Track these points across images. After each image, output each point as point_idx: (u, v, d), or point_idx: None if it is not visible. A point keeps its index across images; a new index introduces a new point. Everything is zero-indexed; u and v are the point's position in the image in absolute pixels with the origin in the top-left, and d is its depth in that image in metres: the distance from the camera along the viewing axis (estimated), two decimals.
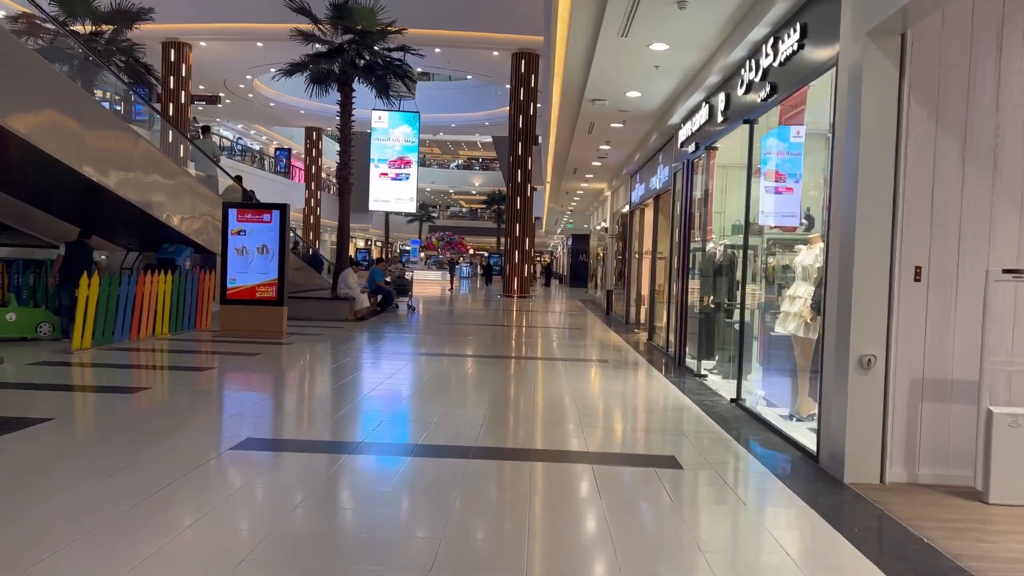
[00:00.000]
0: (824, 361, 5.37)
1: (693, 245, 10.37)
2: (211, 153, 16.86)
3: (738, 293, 9.81)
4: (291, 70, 17.94)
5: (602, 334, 15.54)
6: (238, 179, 18.01)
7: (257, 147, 52.89)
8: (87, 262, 11.07)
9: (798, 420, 6.55)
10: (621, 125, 12.41)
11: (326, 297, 17.12)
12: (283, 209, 12.68)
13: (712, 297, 9.36)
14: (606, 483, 4.89)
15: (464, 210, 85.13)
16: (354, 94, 18.79)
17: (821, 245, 5.85)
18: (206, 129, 18.44)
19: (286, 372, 9.38)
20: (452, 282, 37.41)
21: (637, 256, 16.78)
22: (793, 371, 6.84)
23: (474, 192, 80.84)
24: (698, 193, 10.20)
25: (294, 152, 52.04)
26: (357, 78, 18.45)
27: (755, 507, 4.62)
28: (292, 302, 13.90)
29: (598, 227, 28.41)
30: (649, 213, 15.55)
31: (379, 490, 4.65)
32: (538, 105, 29.29)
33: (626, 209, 19.46)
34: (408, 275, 22.25)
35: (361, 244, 67.61)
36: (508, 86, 33.26)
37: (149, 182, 12.58)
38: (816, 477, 5.18)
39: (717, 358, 9.46)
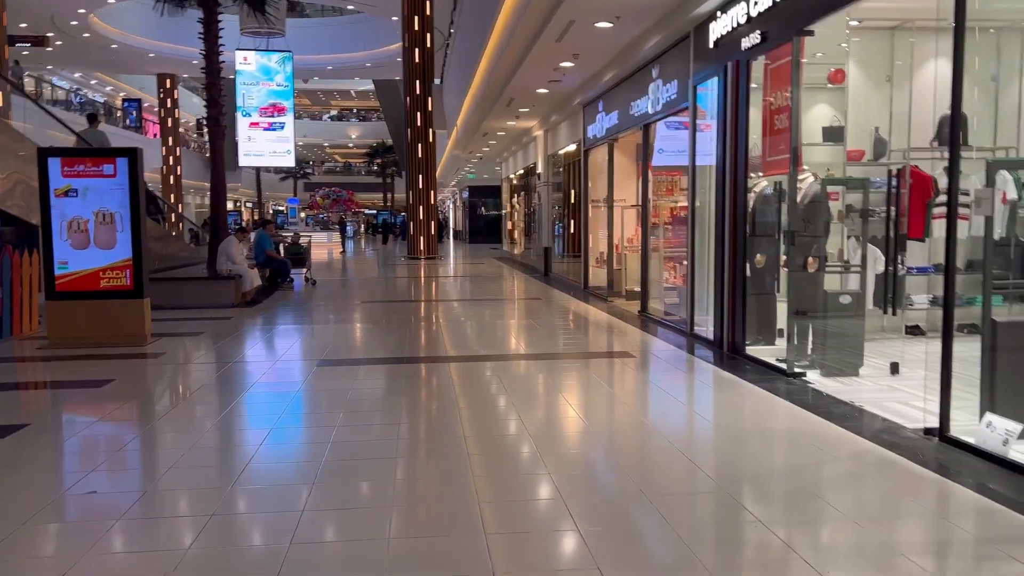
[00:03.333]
0: None
1: (749, 181, 7.31)
2: (100, 146, 12.37)
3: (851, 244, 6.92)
4: None
5: (571, 305, 12.39)
6: (92, 118, 13.54)
7: (101, 99, 45.95)
8: None
9: None
10: (609, 25, 9.10)
11: (202, 276, 13.08)
12: (132, 156, 8.65)
13: (790, 257, 6.38)
14: None
15: (339, 165, 79.51)
16: (220, 16, 14.52)
17: None
18: (93, 118, 13.71)
19: (158, 419, 5.68)
20: (344, 245, 33.20)
21: (599, 205, 13.66)
22: None
23: (351, 145, 75.48)
24: (757, 106, 7.11)
25: (145, 104, 45.46)
26: None
27: None
28: (155, 286, 9.96)
29: (514, 175, 25.13)
30: (623, 148, 12.38)
31: None
32: (433, 34, 25.42)
33: (571, 148, 16.26)
34: (303, 240, 18.26)
35: (230, 206, 61.10)
36: (396, 18, 29.11)
37: None
38: None
39: (795, 343, 6.51)
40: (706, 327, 8.38)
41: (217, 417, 5.64)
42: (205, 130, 55.36)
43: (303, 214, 57.16)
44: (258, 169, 48.54)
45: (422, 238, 25.64)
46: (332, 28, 41.08)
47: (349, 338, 9.55)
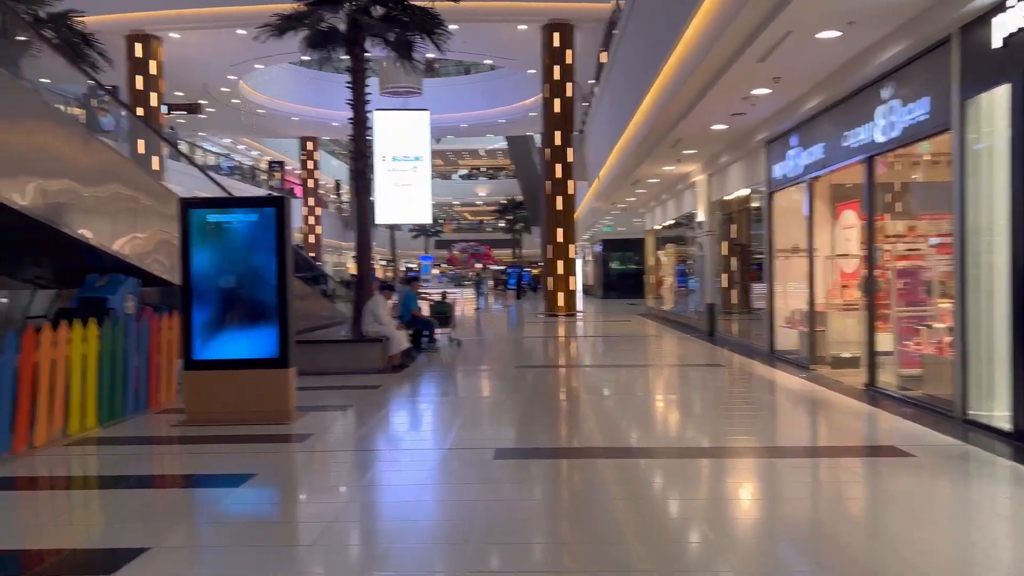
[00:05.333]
0: None
1: None
2: None
3: None
4: (283, 25, 12.96)
5: (764, 374, 10.49)
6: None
7: (248, 163, 47.91)
8: None
9: None
10: (836, 35, 7.43)
11: (347, 339, 12.06)
12: (279, 205, 7.64)
13: None
14: None
15: (467, 222, 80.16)
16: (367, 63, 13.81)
17: None
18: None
19: (303, 543, 4.31)
20: (480, 301, 32.24)
21: (787, 255, 11.75)
22: None
23: (479, 203, 76.05)
24: None
25: (288, 167, 47.07)
26: (369, 38, 13.47)
27: None
28: (299, 350, 8.89)
29: (661, 225, 23.41)
30: (826, 189, 10.52)
31: None
32: (574, 83, 24.39)
33: (742, 193, 14.47)
34: (449, 298, 17.17)
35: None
36: (533, 71, 28.41)
37: (57, 180, 7.56)
38: None
39: None
40: (986, 410, 6.36)
41: (383, 544, 4.21)
42: (342, 191, 56.85)
43: (435, 271, 57.28)
44: (392, 227, 49.10)
45: (561, 294, 24.23)
46: (466, 86, 41.18)
47: (520, 418, 8.07)
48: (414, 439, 7.19)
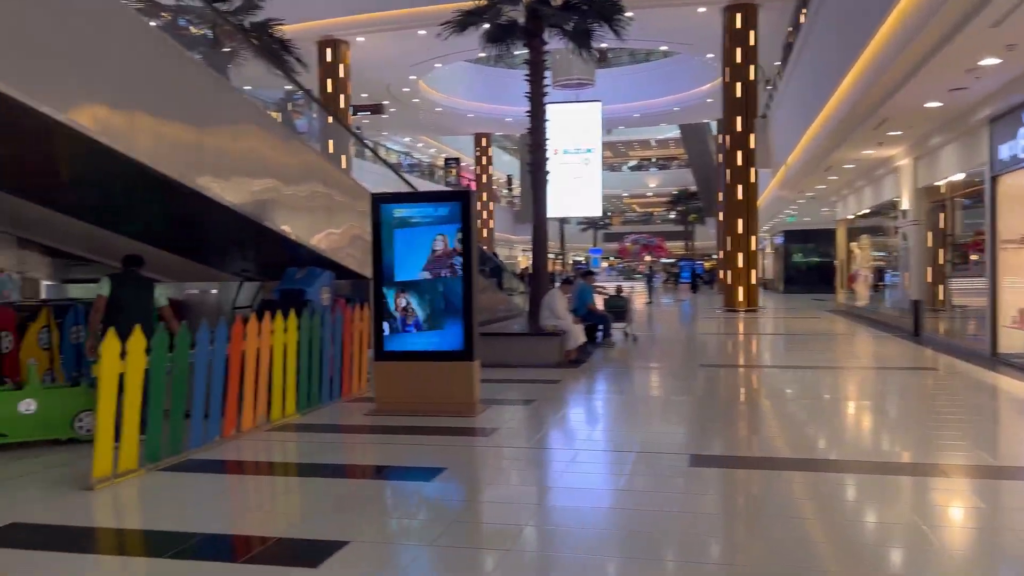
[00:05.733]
0: None
1: None
2: None
3: None
4: (464, 20, 13.13)
5: (998, 384, 9.31)
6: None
7: (426, 160, 49.72)
8: (143, 307, 6.50)
9: None
10: None
11: (525, 333, 12.00)
12: (465, 199, 7.63)
13: None
14: None
15: (637, 215, 78.78)
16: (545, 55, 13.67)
17: None
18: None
19: (495, 546, 4.15)
20: (651, 295, 31.50)
21: (1020, 247, 10.37)
22: None
23: (649, 194, 74.63)
24: None
25: (462, 163, 48.40)
26: (547, 28, 13.33)
27: None
28: (479, 342, 8.86)
29: (854, 214, 21.68)
30: None
31: None
32: (757, 66, 23.10)
33: (957, 177, 13.00)
34: (624, 292, 16.78)
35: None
36: (711, 55, 27.28)
37: (262, 180, 7.96)
38: None
39: None
40: None
41: (581, 554, 3.97)
42: (514, 186, 57.66)
43: (604, 264, 56.83)
44: (561, 220, 49.12)
45: (740, 288, 23.10)
46: (638, 75, 40.31)
47: (715, 422, 7.58)
48: (602, 439, 6.92)
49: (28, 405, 6.15)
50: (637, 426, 7.32)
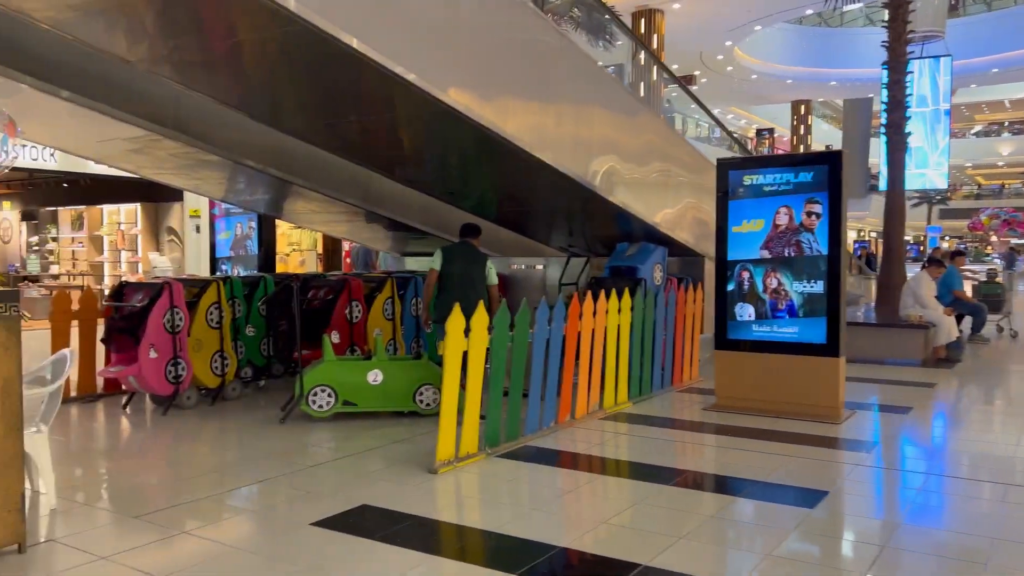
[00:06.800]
0: None
1: None
2: None
3: None
4: None
5: None
6: None
7: (735, 132, 47.18)
8: (475, 282, 6.20)
9: None
10: None
11: (882, 323, 10.25)
12: (834, 161, 6.36)
13: None
14: None
15: (980, 188, 67.88)
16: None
17: None
18: None
19: None
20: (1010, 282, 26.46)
21: None
22: None
23: (1001, 164, 63.95)
24: None
25: (776, 134, 45.12)
26: None
27: None
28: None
29: None
30: None
31: None
32: None
33: None
34: (1000, 278, 13.96)
35: (852, 236, 56.95)
36: None
37: (605, 149, 7.36)
38: None
39: None
40: None
41: None
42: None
43: (943, 244, 49.69)
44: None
45: None
46: (997, 22, 34.14)
47: None
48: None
49: (376, 376, 6.19)
50: None
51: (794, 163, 6.63)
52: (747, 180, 6.70)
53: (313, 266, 17.66)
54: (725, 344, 6.84)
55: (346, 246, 17.57)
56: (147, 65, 5.57)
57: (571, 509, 4.35)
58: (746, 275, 6.72)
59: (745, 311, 6.72)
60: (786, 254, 6.53)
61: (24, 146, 10.72)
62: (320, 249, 17.75)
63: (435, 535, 3.94)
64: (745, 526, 4.09)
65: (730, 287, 6.79)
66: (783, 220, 6.57)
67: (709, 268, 8.80)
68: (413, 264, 11.20)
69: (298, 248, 18.33)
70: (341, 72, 5.30)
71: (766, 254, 6.62)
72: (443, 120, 5.78)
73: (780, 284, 6.56)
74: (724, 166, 6.83)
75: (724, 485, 4.79)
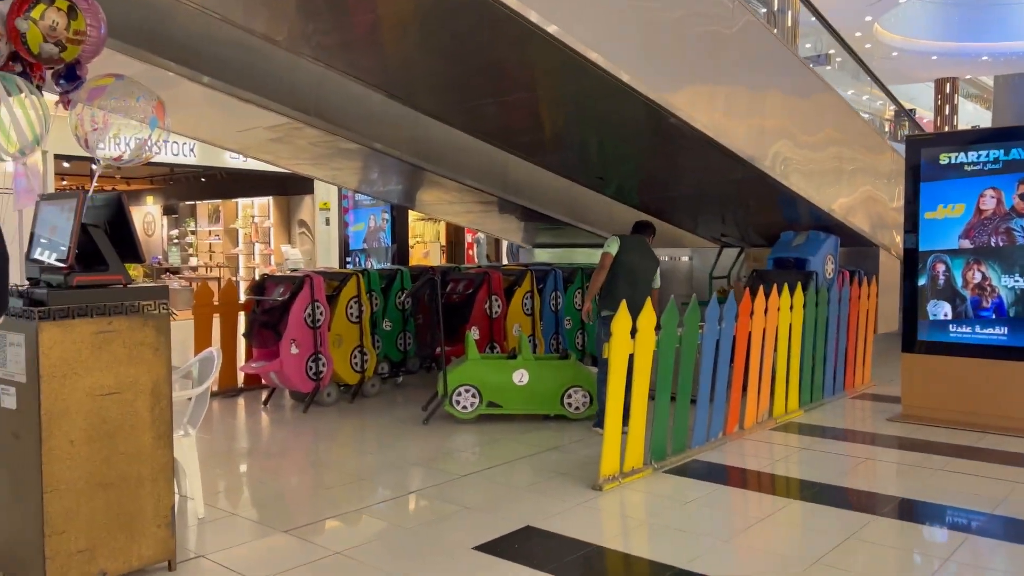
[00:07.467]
0: None
1: None
2: None
3: None
4: None
5: None
6: None
7: (867, 115, 44.32)
8: (647, 278, 5.58)
9: None
10: None
11: None
12: None
13: None
14: None
15: None
16: None
17: None
18: None
19: None
20: None
21: None
22: None
23: None
24: None
25: (916, 116, 41.98)
26: None
27: None
28: None
29: None
30: None
31: None
32: None
33: None
34: None
35: None
36: None
37: (776, 124, 6.61)
38: None
39: None
40: None
41: None
42: None
43: None
44: None
45: None
46: None
47: None
48: None
49: (522, 376, 5.74)
50: None
51: (1006, 137, 5.69)
52: (944, 158, 5.83)
53: (437, 259, 17.56)
54: (914, 346, 6.00)
55: (468, 238, 17.35)
56: (291, 45, 5.32)
57: (770, 542, 3.73)
58: (941, 268, 5.88)
59: (940, 309, 5.87)
60: (993, 243, 5.65)
61: (166, 141, 10.98)
62: (443, 241, 17.61)
63: (616, 571, 3.43)
64: (1000, 575, 3.36)
65: (921, 281, 5.95)
66: (989, 204, 5.67)
67: (884, 260, 7.88)
68: (544, 256, 10.75)
69: (421, 240, 18.27)
70: (511, 51, 4.89)
71: (967, 244, 5.75)
72: (614, 99, 5.25)
73: (985, 279, 5.68)
74: (915, 143, 5.97)
75: (945, 517, 4.04)
